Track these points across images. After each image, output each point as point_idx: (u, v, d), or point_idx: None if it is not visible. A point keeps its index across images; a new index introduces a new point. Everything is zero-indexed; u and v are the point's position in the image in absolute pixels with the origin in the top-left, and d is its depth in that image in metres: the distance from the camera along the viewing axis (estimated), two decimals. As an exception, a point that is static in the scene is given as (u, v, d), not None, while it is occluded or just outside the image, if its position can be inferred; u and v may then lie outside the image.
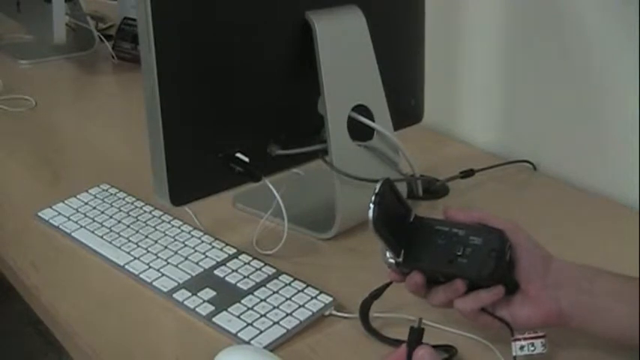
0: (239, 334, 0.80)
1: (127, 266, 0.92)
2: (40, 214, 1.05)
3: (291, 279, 0.89)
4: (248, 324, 0.81)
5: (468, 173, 1.16)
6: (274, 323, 0.81)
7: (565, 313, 0.72)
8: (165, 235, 0.99)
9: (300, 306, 0.84)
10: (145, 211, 1.04)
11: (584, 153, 1.18)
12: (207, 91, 0.90)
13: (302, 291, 0.87)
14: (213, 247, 0.96)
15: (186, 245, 0.96)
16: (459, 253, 0.72)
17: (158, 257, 0.94)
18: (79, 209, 1.06)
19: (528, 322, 0.72)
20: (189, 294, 0.87)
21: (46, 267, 0.95)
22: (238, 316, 0.82)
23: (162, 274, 0.90)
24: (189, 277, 0.90)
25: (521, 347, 0.71)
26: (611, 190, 1.13)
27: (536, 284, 0.73)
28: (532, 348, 0.71)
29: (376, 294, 0.80)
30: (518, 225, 0.74)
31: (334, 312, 0.85)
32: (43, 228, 1.03)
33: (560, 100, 1.20)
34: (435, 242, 0.73)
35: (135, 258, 0.94)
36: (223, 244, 0.96)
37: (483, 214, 0.75)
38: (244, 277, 0.90)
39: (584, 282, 0.72)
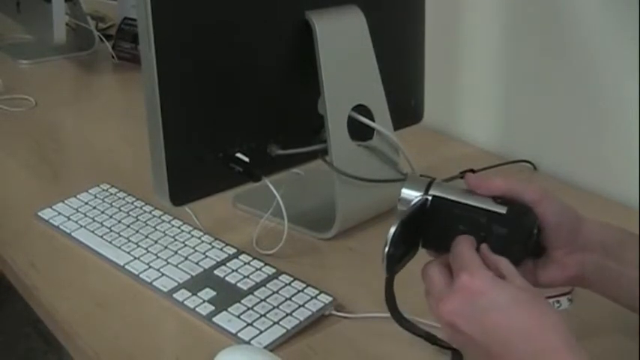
0: (239, 334, 0.80)
1: (127, 266, 0.92)
2: (40, 214, 1.05)
3: (291, 279, 0.89)
4: (248, 324, 0.81)
5: (468, 173, 1.16)
6: (274, 323, 0.81)
7: (588, 278, 0.71)
8: (165, 235, 0.99)
9: (300, 306, 0.84)
10: (145, 211, 1.04)
11: (584, 153, 1.18)
12: (207, 91, 0.90)
13: (302, 291, 0.87)
14: (213, 247, 0.96)
15: (186, 245, 0.96)
16: (482, 242, 0.67)
17: (158, 257, 0.94)
18: (79, 209, 1.06)
19: (550, 283, 0.72)
20: (189, 294, 0.87)
21: (46, 267, 0.95)
22: (238, 316, 0.82)
23: (163, 274, 0.90)
24: (189, 277, 0.90)
25: None
26: (611, 190, 1.13)
27: (562, 250, 0.71)
28: (558, 305, 0.72)
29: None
30: (545, 193, 0.70)
31: (334, 312, 0.85)
32: (43, 228, 1.03)
33: (560, 100, 1.20)
34: (456, 229, 0.68)
35: (135, 258, 0.94)
36: (223, 244, 0.96)
37: (508, 184, 0.70)
38: (244, 277, 0.90)
39: (614, 247, 0.71)
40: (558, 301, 0.72)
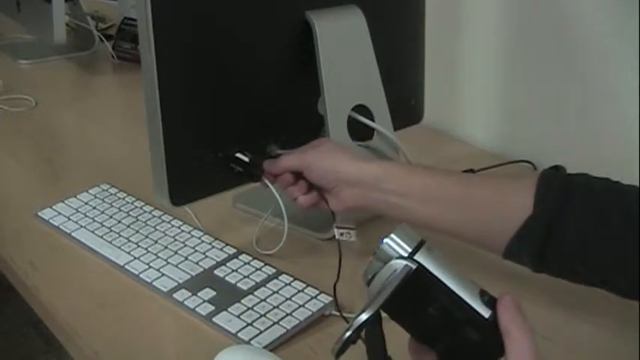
0: (239, 334, 0.80)
1: (127, 266, 0.92)
2: (40, 214, 1.05)
3: (291, 279, 0.89)
4: (248, 324, 0.81)
5: (468, 173, 1.16)
6: (274, 323, 0.81)
7: (365, 206, 0.88)
8: (165, 235, 0.99)
9: (300, 306, 0.84)
10: (145, 211, 1.04)
11: (584, 153, 1.18)
12: (207, 91, 0.90)
13: (302, 291, 0.87)
14: (213, 247, 0.96)
15: (186, 245, 0.96)
16: (448, 339, 0.59)
17: (158, 257, 0.94)
18: (79, 209, 1.06)
19: (337, 210, 0.89)
20: (190, 294, 0.87)
21: (46, 267, 0.95)
22: (238, 316, 0.82)
23: (163, 274, 0.90)
24: (189, 277, 0.90)
25: (341, 234, 0.90)
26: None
27: (335, 189, 0.88)
28: (349, 235, 0.91)
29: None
30: (307, 155, 0.89)
31: (334, 312, 0.85)
32: (43, 228, 1.03)
33: (560, 100, 1.20)
34: (424, 311, 0.59)
35: (135, 258, 0.94)
36: (223, 244, 0.96)
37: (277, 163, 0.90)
38: (244, 277, 0.90)
39: (373, 182, 0.86)
40: (349, 233, 0.91)
